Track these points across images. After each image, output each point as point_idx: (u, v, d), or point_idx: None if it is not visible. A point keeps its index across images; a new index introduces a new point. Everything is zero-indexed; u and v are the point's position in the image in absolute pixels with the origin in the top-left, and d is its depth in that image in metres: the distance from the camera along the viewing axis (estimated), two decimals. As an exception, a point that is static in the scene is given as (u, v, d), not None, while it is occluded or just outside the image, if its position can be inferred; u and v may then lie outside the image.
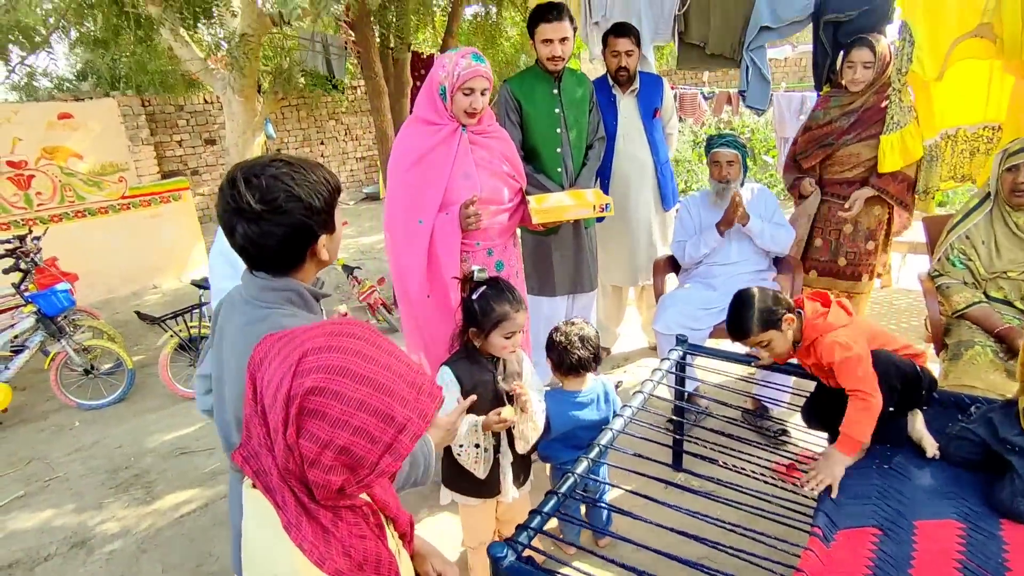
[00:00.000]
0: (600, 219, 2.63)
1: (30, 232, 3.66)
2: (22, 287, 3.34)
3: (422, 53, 5.66)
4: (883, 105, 2.55)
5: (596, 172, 2.90)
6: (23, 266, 3.38)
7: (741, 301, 1.77)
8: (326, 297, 1.17)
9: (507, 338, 1.60)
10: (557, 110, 2.56)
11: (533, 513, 1.35)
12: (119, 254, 5.01)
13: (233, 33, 4.91)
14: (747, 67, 2.87)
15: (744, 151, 2.67)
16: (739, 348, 2.91)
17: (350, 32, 2.76)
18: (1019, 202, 2.14)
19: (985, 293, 2.23)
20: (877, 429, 1.61)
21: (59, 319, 3.29)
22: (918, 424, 1.66)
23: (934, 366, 1.94)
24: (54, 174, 4.70)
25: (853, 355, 1.61)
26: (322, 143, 8.42)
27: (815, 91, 2.83)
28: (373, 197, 8.62)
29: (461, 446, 1.59)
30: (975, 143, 2.64)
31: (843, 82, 2.58)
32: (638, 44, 2.86)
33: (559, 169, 2.60)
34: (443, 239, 1.96)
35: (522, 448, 1.68)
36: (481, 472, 1.61)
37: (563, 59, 2.48)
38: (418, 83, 5.28)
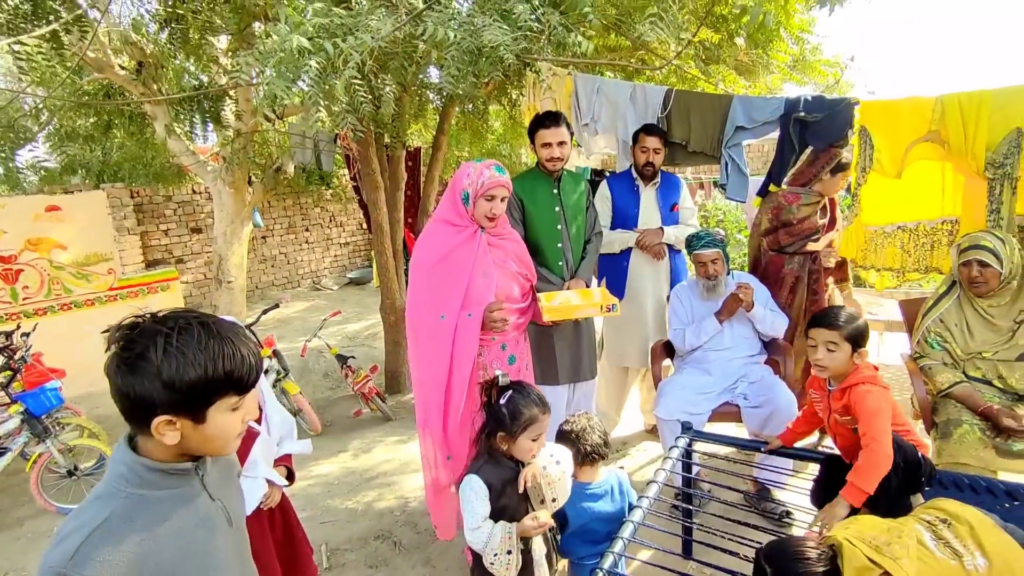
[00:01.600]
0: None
1: (18, 327, 3.65)
2: (9, 386, 3.29)
3: (410, 147, 5.98)
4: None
5: (616, 258, 3.19)
6: (13, 364, 3.35)
7: (847, 313, 1.86)
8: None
9: (534, 440, 1.66)
10: (557, 208, 2.76)
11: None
12: (104, 346, 4.94)
13: (229, 130, 5.16)
14: (726, 163, 3.15)
15: (724, 246, 2.88)
16: (740, 432, 3.04)
17: (360, 133, 2.96)
18: (978, 292, 2.36)
19: (964, 372, 2.40)
20: (884, 511, 1.70)
21: (45, 418, 3.23)
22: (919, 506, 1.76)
23: (925, 439, 2.06)
24: (43, 268, 4.72)
25: (882, 408, 1.75)
26: (307, 229, 8.61)
27: (767, 178, 3.11)
28: (357, 282, 8.74)
29: (496, 555, 1.61)
30: (935, 236, 2.91)
31: (825, 190, 2.89)
32: (665, 144, 3.14)
33: (560, 263, 2.77)
34: (464, 338, 2.09)
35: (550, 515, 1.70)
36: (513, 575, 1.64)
37: (561, 160, 2.71)
38: (406, 175, 5.58)
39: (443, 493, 2.25)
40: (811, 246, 2.93)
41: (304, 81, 2.12)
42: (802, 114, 2.86)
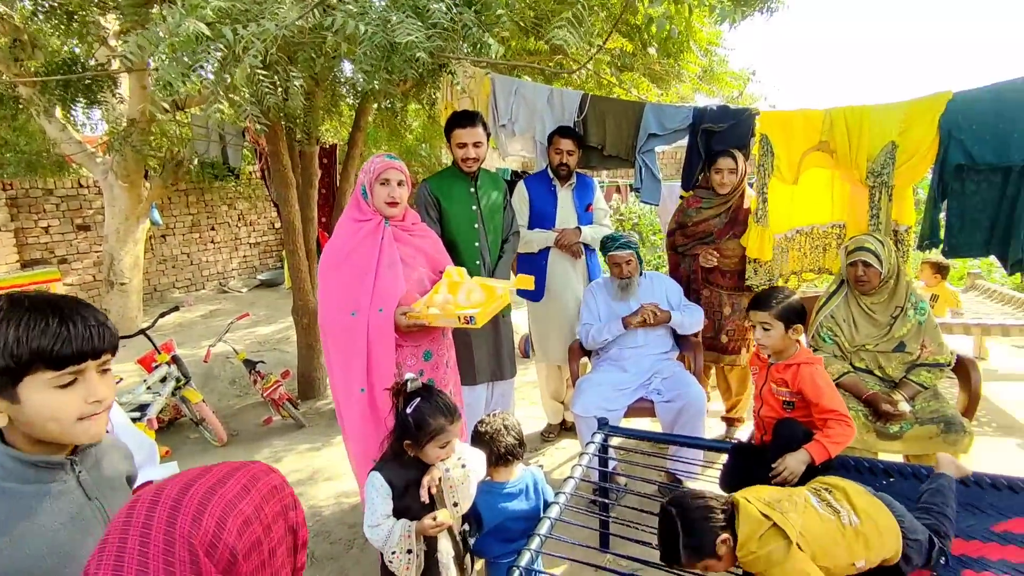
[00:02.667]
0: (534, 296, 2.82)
1: None
2: None
3: (325, 144, 5.81)
4: (746, 207, 3.05)
5: (535, 257, 3.25)
6: None
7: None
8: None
9: (442, 448, 1.65)
10: (474, 207, 2.77)
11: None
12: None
13: (120, 118, 4.80)
14: (640, 168, 3.28)
15: (637, 248, 3.00)
16: (649, 426, 3.16)
17: (265, 126, 2.85)
18: (863, 290, 2.59)
19: (851, 364, 2.63)
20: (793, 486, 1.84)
21: None
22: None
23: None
24: None
25: (830, 383, 1.94)
26: (213, 228, 8.14)
27: (679, 185, 3.30)
28: (269, 284, 8.37)
29: (393, 552, 1.59)
30: (826, 240, 3.17)
31: (713, 185, 3.04)
32: (578, 145, 3.21)
33: (477, 262, 2.78)
34: (378, 335, 2.06)
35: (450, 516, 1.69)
36: None
37: (477, 160, 2.72)
38: (321, 172, 5.41)
39: None
40: (699, 249, 3.13)
41: (204, 69, 2.02)
42: (709, 125, 3.03)
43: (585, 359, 3.20)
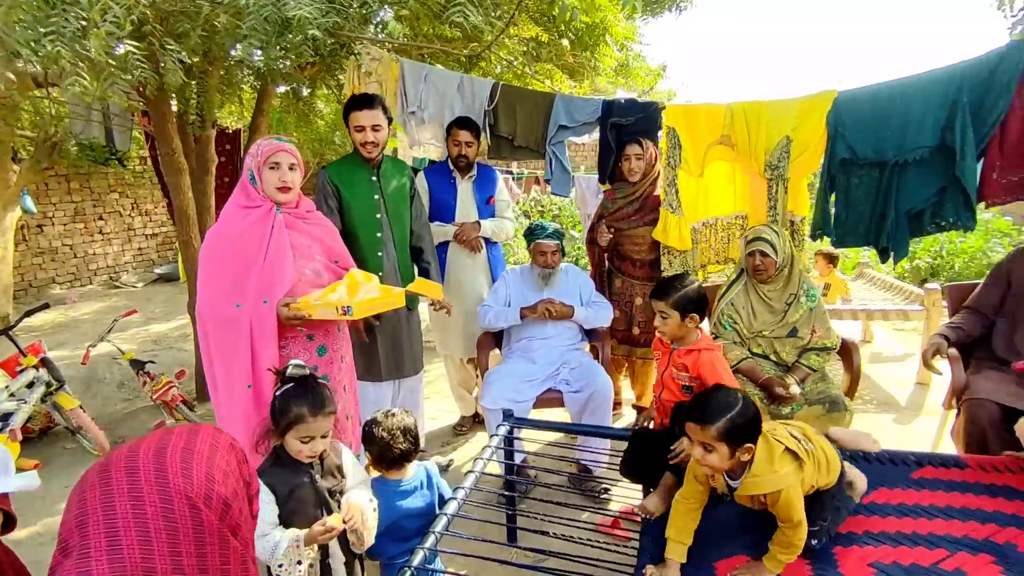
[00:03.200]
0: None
1: None
2: None
3: (228, 128, 5.46)
4: (656, 194, 3.11)
5: (436, 250, 3.08)
6: None
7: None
8: None
9: (304, 443, 1.56)
10: (377, 196, 2.67)
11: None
12: None
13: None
14: (550, 159, 3.28)
15: (562, 239, 3.01)
16: (561, 417, 3.18)
17: (138, 103, 2.60)
18: (760, 279, 2.71)
19: (749, 349, 2.75)
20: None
21: None
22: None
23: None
24: None
25: (727, 369, 2.08)
26: (101, 218, 7.50)
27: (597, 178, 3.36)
28: (167, 278, 7.82)
29: (280, 566, 1.49)
30: (730, 230, 3.29)
31: (624, 173, 3.09)
32: (477, 137, 3.17)
33: (379, 253, 2.68)
34: (261, 329, 1.94)
35: (358, 547, 1.64)
36: None
37: (377, 145, 2.62)
38: (223, 159, 5.09)
39: None
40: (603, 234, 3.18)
41: (63, 37, 1.81)
42: (616, 118, 3.07)
43: (496, 350, 3.18)
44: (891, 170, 2.82)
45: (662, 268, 3.10)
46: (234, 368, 1.96)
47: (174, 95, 3.57)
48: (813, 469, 1.55)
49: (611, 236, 3.14)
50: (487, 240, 3.31)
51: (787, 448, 1.51)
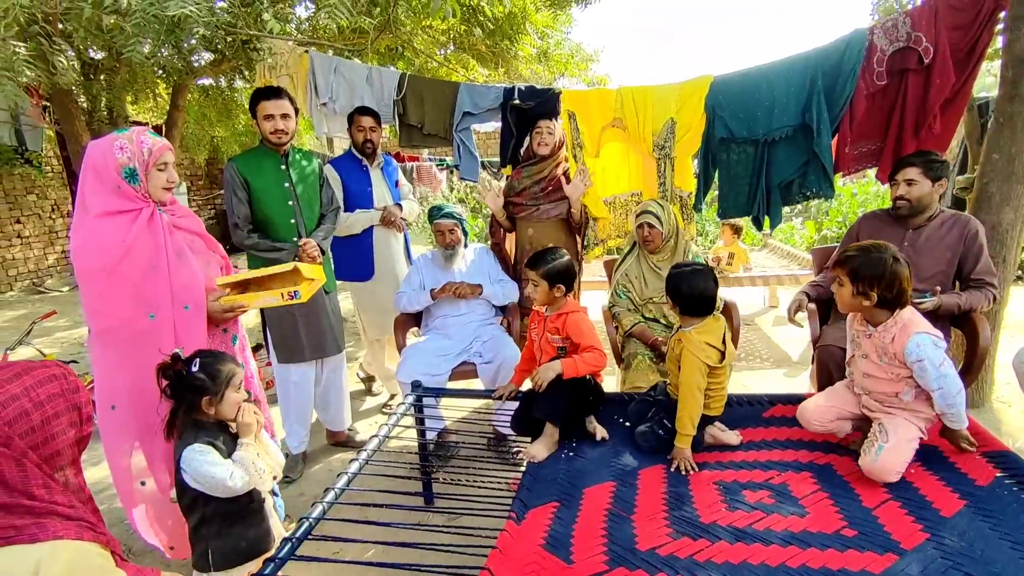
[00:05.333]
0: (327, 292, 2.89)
1: None
2: None
3: (148, 125, 5.40)
4: (561, 173, 3.29)
5: (359, 238, 3.31)
6: None
7: (548, 256, 2.23)
8: None
9: (237, 391, 1.76)
10: (287, 184, 2.79)
11: (267, 562, 1.49)
12: None
13: None
14: (458, 145, 3.45)
15: (461, 219, 3.20)
16: (476, 386, 3.39)
17: (41, 102, 2.63)
18: (649, 249, 2.97)
19: (642, 315, 3.01)
20: (564, 430, 2.12)
21: None
22: (592, 422, 2.21)
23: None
24: None
25: (592, 329, 2.19)
26: (18, 221, 7.24)
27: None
28: (94, 280, 7.63)
29: (260, 468, 1.76)
30: (627, 207, 3.55)
31: (535, 148, 3.21)
32: (379, 123, 3.32)
33: (295, 238, 2.81)
34: (188, 334, 1.96)
35: (268, 485, 1.81)
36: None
37: (286, 133, 2.73)
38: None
39: (168, 505, 2.05)
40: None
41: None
42: (516, 102, 3.26)
43: (416, 328, 3.35)
44: (763, 147, 3.12)
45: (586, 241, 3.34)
46: (146, 378, 1.82)
47: (81, 93, 3.57)
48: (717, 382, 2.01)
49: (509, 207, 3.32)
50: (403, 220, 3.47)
51: (721, 353, 1.98)
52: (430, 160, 7.84)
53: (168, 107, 4.35)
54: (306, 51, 3.52)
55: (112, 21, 2.04)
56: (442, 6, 2.59)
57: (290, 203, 2.79)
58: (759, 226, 3.26)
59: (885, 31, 2.84)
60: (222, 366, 1.73)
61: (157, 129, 5.56)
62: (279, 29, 2.07)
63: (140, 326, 1.90)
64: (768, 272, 4.41)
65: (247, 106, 5.99)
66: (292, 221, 2.80)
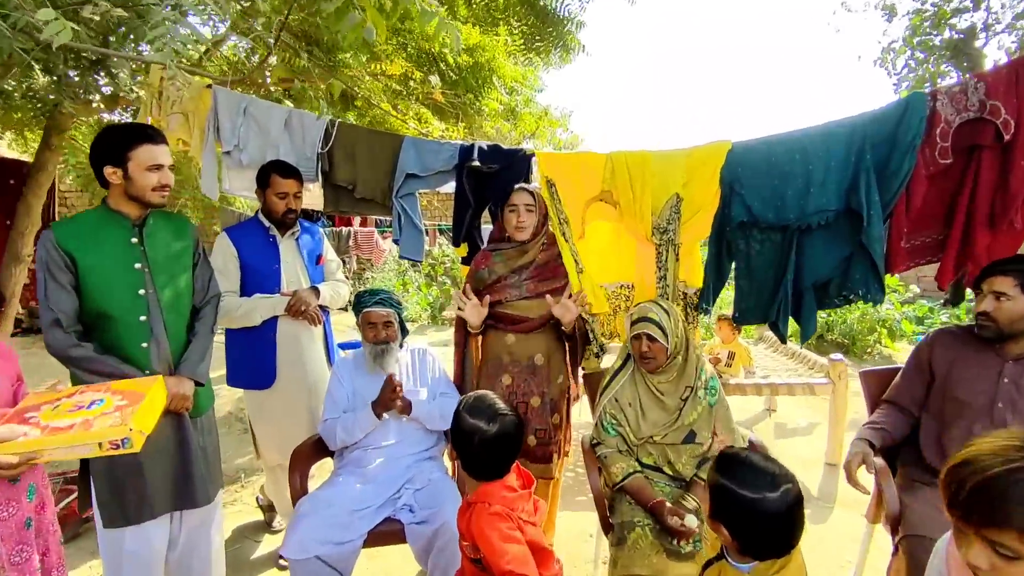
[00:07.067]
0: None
1: None
2: None
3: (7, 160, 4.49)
4: (558, 263, 2.44)
5: (259, 332, 2.50)
6: None
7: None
8: None
9: None
10: (138, 265, 1.95)
11: None
12: None
13: None
14: (399, 215, 2.69)
15: (399, 309, 2.42)
16: (403, 558, 2.50)
17: None
18: (648, 368, 2.21)
19: (639, 459, 2.22)
20: None
21: None
22: None
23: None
24: None
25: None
26: None
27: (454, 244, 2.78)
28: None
29: None
30: (615, 301, 2.81)
31: (511, 233, 2.40)
32: (301, 184, 2.59)
33: (144, 344, 1.95)
34: None
35: None
36: None
37: (168, 190, 1.95)
38: (7, 196, 4.11)
39: None
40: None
41: None
42: (475, 163, 2.54)
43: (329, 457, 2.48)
44: (793, 235, 2.45)
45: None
46: None
47: None
48: None
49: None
50: (324, 310, 2.68)
51: None
52: (379, 225, 6.96)
53: (39, 146, 3.49)
54: (208, 85, 2.75)
55: None
56: (358, 27, 1.88)
57: (140, 292, 1.94)
58: (780, 334, 2.55)
59: (951, 98, 2.25)
60: None
61: (21, 170, 4.67)
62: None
63: None
64: (776, 379, 3.68)
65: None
66: (142, 319, 1.94)
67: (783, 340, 2.59)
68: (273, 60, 3.78)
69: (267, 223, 2.56)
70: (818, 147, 2.34)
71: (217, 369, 2.30)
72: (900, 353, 6.54)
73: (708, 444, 2.21)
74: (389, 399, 2.23)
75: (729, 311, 3.91)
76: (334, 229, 6.58)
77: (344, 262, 6.54)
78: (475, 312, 2.37)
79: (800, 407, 4.66)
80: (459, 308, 2.40)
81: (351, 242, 6.26)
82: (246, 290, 2.52)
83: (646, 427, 2.22)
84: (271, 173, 2.49)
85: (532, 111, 5.34)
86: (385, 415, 2.30)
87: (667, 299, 2.47)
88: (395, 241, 2.76)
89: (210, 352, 2.09)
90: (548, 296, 2.32)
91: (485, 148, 2.61)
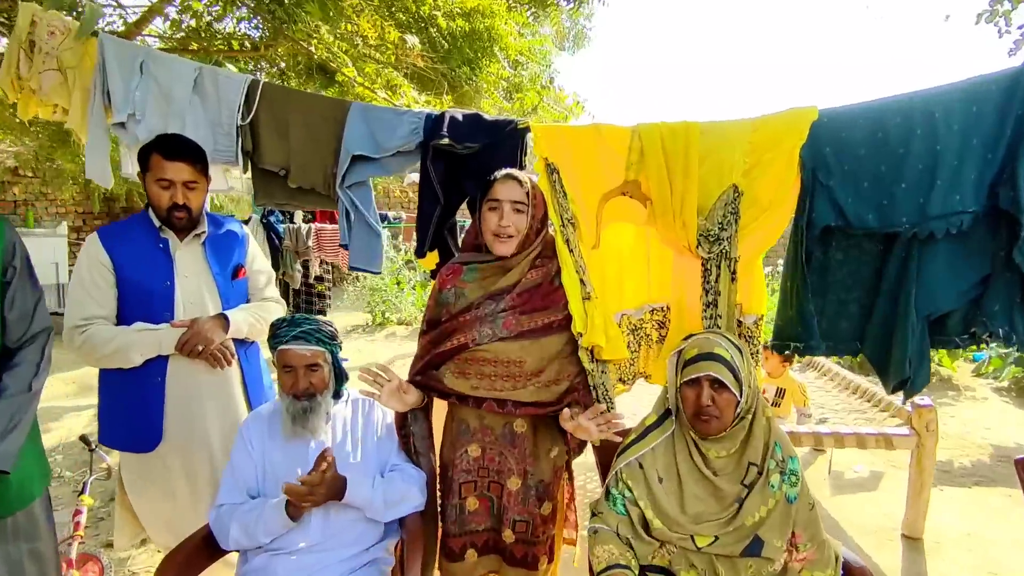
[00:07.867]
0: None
1: None
2: None
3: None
4: (556, 285, 1.65)
5: (140, 374, 1.80)
6: None
7: None
8: None
9: None
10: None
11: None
12: None
13: None
14: (346, 210, 1.97)
15: (333, 346, 1.69)
16: None
17: None
18: (706, 430, 1.48)
19: (650, 565, 1.50)
20: None
21: None
22: None
23: None
24: None
25: None
26: None
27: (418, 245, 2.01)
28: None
29: None
30: (643, 331, 2.07)
31: (489, 244, 1.63)
32: (205, 172, 1.86)
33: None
34: None
35: None
36: None
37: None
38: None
39: None
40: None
41: None
42: (445, 140, 1.80)
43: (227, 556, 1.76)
44: (904, 246, 1.70)
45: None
46: None
47: None
48: None
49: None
50: (241, 344, 1.95)
51: None
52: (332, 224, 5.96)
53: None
54: (94, 33, 2.06)
55: None
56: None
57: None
58: (892, 391, 1.80)
59: None
60: None
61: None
62: None
63: None
64: (842, 428, 2.88)
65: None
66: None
67: (891, 391, 1.83)
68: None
69: (158, 222, 1.84)
70: (953, 117, 1.59)
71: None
72: (958, 374, 5.73)
73: (782, 562, 1.48)
74: (308, 496, 1.50)
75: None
76: (290, 225, 5.58)
77: (305, 266, 5.67)
78: (396, 399, 1.63)
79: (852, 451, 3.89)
80: (374, 393, 1.64)
81: (311, 241, 5.30)
82: (126, 316, 1.81)
83: (684, 520, 1.49)
84: (151, 152, 1.76)
85: (537, 89, 4.61)
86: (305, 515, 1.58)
87: (731, 333, 1.73)
88: (342, 246, 2.04)
89: (26, 420, 1.38)
90: (565, 410, 1.56)
91: (460, 119, 1.87)
